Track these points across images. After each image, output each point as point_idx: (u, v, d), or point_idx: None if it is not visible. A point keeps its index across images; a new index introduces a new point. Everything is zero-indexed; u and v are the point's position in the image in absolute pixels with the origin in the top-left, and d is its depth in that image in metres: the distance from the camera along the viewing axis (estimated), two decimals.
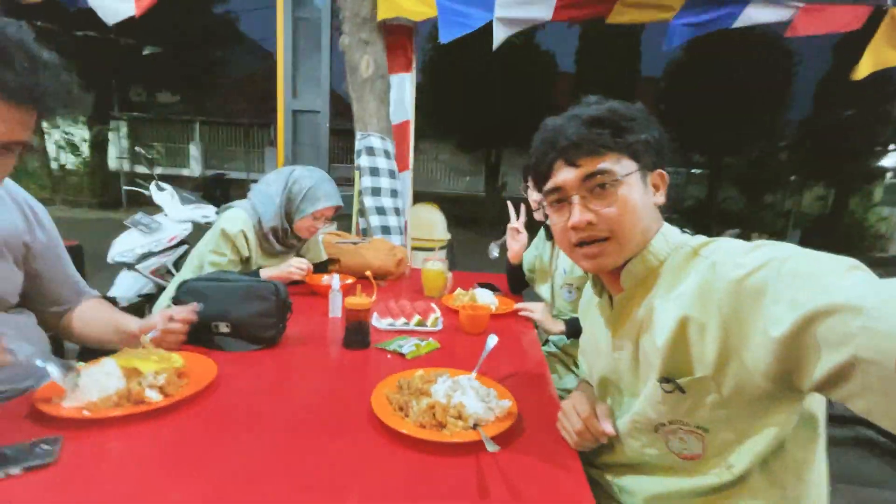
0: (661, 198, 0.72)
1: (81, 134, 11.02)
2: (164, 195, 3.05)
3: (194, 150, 14.54)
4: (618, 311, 0.74)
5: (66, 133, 10.71)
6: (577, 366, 1.53)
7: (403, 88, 3.07)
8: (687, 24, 2.79)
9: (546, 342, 1.62)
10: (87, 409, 0.73)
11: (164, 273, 2.86)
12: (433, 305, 1.38)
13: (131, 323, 0.99)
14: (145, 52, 9.61)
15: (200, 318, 1.06)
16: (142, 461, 0.66)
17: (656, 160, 0.71)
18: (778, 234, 10.88)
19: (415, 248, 3.43)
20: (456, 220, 3.76)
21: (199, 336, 1.07)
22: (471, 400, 0.80)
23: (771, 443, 0.62)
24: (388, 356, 1.11)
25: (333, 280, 1.37)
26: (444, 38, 2.77)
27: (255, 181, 2.26)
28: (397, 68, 3.01)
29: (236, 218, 1.55)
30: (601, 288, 0.79)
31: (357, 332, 1.13)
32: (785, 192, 12.85)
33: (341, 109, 3.10)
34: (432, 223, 3.67)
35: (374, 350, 1.14)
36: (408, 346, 1.12)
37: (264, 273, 1.51)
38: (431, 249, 3.61)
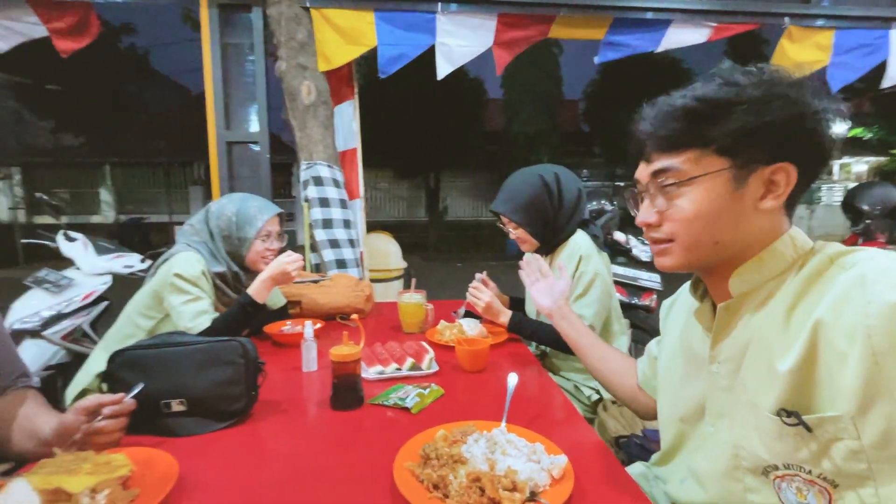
0: (771, 201, 0.58)
1: None
2: (74, 246, 2.62)
3: (105, 195, 13.22)
4: (722, 320, 0.63)
5: None
6: (586, 386, 1.43)
7: (348, 116, 2.93)
8: (615, 44, 2.95)
9: None
10: None
11: (81, 337, 2.42)
12: (424, 345, 1.22)
13: (45, 426, 0.73)
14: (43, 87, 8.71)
15: (143, 398, 0.82)
16: None
17: (779, 151, 0.56)
18: None
19: (371, 280, 3.22)
20: (402, 247, 3.63)
21: (144, 420, 0.83)
22: (519, 462, 0.65)
23: None
24: (389, 413, 0.93)
25: (306, 328, 1.17)
26: (385, 71, 2.72)
27: (179, 223, 2.00)
28: (340, 97, 2.88)
29: (191, 259, 1.33)
30: (703, 292, 0.68)
31: (348, 390, 0.94)
32: None
33: (272, 141, 2.87)
34: (387, 252, 3.50)
35: (369, 408, 0.96)
36: (410, 397, 0.95)
37: (255, 287, 1.31)
38: (389, 280, 3.43)
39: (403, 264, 3.63)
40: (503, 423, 0.79)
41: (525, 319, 1.40)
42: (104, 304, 2.58)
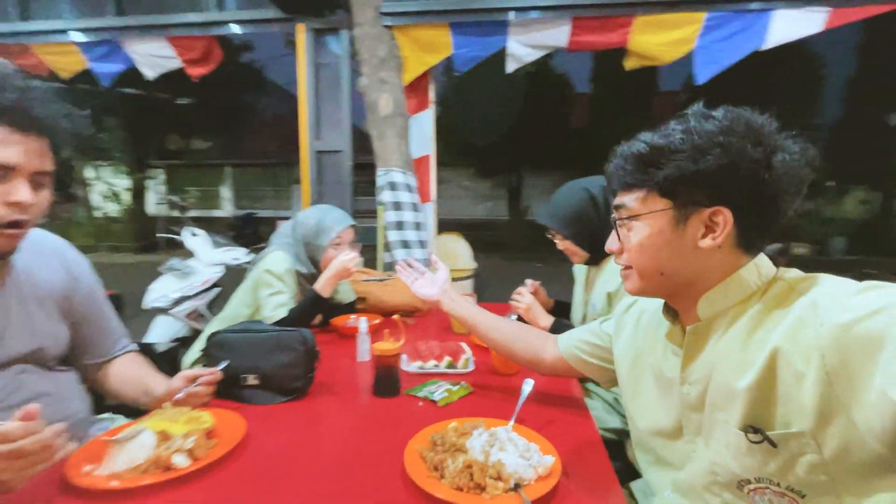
0: (710, 241, 0.63)
1: (123, 183, 11.72)
2: (196, 240, 3.15)
3: (226, 192, 15.18)
4: (691, 342, 0.68)
5: (109, 183, 11.41)
6: (620, 404, 1.44)
7: (424, 125, 3.12)
8: (713, 49, 2.71)
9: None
10: (115, 478, 0.71)
11: (198, 316, 2.92)
12: (463, 345, 1.33)
13: (158, 386, 0.98)
14: (179, 101, 10.29)
15: (229, 371, 1.05)
16: None
17: (715, 196, 0.62)
18: (821, 243, 10.38)
19: None
20: (481, 245, 3.74)
21: (227, 389, 1.06)
22: (510, 457, 0.74)
23: None
24: (420, 403, 1.06)
25: (360, 322, 1.35)
26: (460, 69, 2.89)
27: (283, 218, 2.34)
28: (417, 107, 3.08)
29: (280, 258, 1.59)
30: (674, 315, 0.73)
31: (387, 380, 1.09)
32: (823, 199, 12.30)
33: (363, 144, 3.19)
34: (457, 253, 3.65)
35: (404, 397, 1.10)
36: (439, 392, 1.08)
37: (320, 283, 1.52)
38: (458, 280, 3.57)
39: (473, 264, 3.75)
40: (510, 423, 0.88)
41: (566, 325, 1.44)
42: (217, 289, 3.06)
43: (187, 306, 2.87)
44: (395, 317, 1.19)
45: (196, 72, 3.19)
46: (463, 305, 1.13)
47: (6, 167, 0.72)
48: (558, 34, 2.83)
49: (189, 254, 3.16)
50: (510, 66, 2.90)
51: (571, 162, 12.27)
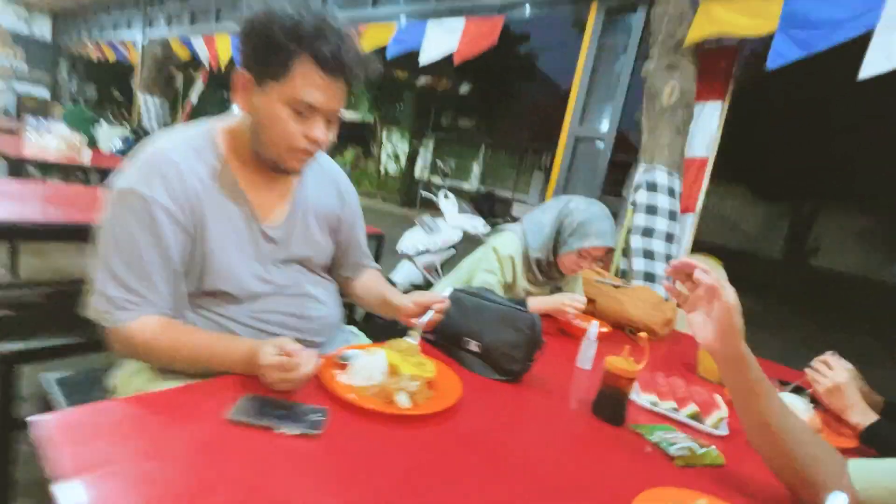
0: None
1: (403, 148, 14.28)
2: (447, 203, 3.50)
3: (476, 169, 16.80)
4: None
5: (394, 146, 14.08)
6: None
7: (710, 119, 2.61)
8: None
9: None
10: (352, 391, 0.78)
11: (433, 270, 3.27)
12: (717, 398, 1.03)
13: (394, 298, 1.03)
14: (462, 90, 11.65)
15: (453, 330, 1.06)
16: (386, 460, 0.67)
17: None
18: None
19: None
20: (736, 282, 2.95)
21: (448, 347, 1.08)
22: None
23: None
24: (648, 449, 0.85)
25: (591, 326, 1.19)
26: (774, 62, 2.15)
27: (518, 201, 2.33)
28: (708, 94, 2.58)
29: (509, 242, 1.57)
30: None
31: (613, 403, 0.92)
32: None
33: (618, 139, 2.87)
34: None
35: (628, 431, 0.90)
36: (678, 446, 0.84)
37: (532, 302, 1.45)
38: None
39: None
40: None
41: (890, 432, 0.96)
42: (453, 251, 3.36)
43: (427, 259, 3.25)
44: (642, 335, 0.98)
45: (462, 56, 3.28)
46: (752, 366, 0.71)
47: (313, 107, 0.81)
48: None
49: (440, 214, 3.55)
50: (868, 69, 1.87)
51: None
